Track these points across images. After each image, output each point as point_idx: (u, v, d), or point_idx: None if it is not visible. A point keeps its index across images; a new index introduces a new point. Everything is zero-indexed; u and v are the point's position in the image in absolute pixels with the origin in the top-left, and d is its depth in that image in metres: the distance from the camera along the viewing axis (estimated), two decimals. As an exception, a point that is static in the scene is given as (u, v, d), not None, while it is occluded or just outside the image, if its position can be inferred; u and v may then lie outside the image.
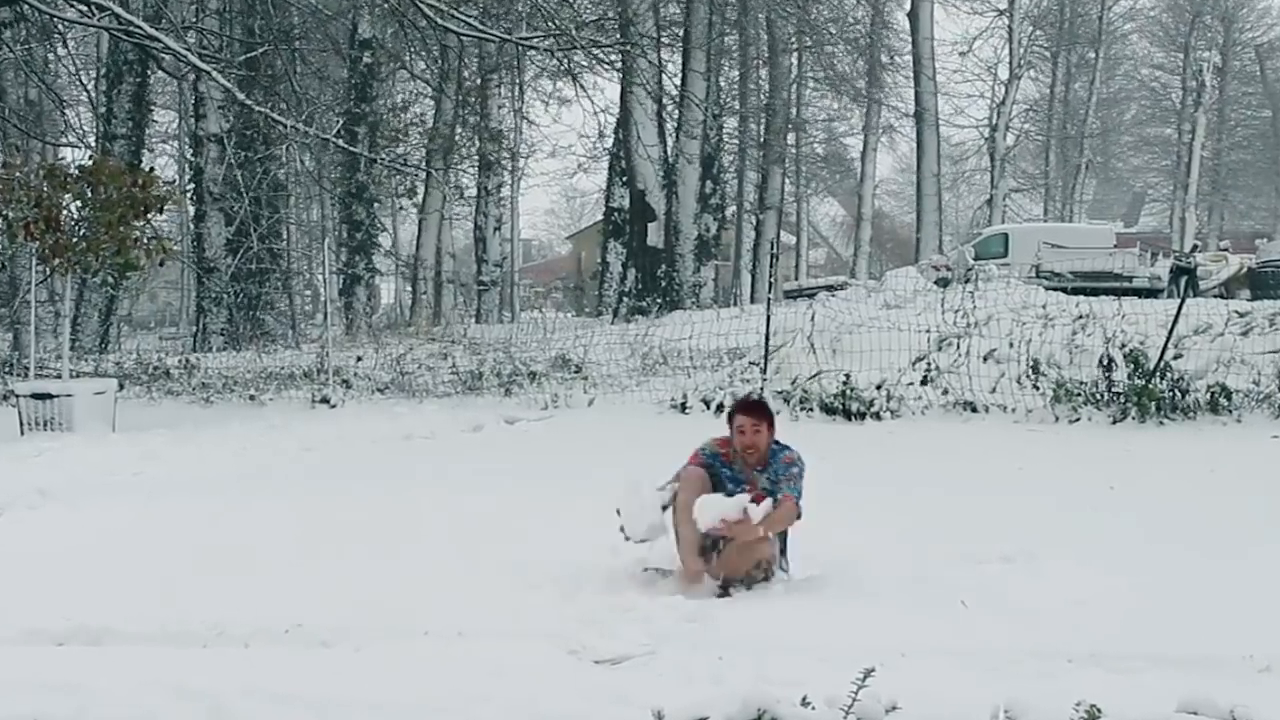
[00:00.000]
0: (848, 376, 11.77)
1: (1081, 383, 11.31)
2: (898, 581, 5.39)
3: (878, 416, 11.42)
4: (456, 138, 29.81)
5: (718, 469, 5.37)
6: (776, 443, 5.47)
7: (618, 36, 22.09)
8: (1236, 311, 13.13)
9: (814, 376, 11.92)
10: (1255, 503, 7.29)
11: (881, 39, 33.82)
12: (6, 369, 16.73)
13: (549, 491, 7.55)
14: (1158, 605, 5.06)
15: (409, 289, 34.34)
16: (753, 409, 5.48)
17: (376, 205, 26.85)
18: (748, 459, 5.35)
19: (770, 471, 5.36)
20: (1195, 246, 30.99)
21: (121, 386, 13.61)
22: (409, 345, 16.64)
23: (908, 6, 33.03)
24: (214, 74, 16.97)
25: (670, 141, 25.99)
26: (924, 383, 11.91)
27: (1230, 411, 10.78)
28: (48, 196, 11.58)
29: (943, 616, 4.90)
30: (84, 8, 17.46)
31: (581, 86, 22.84)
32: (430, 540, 6.19)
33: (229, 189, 22.07)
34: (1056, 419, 11.01)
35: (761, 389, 12.05)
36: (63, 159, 23.36)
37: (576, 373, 14.28)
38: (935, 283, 18.23)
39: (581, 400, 13.02)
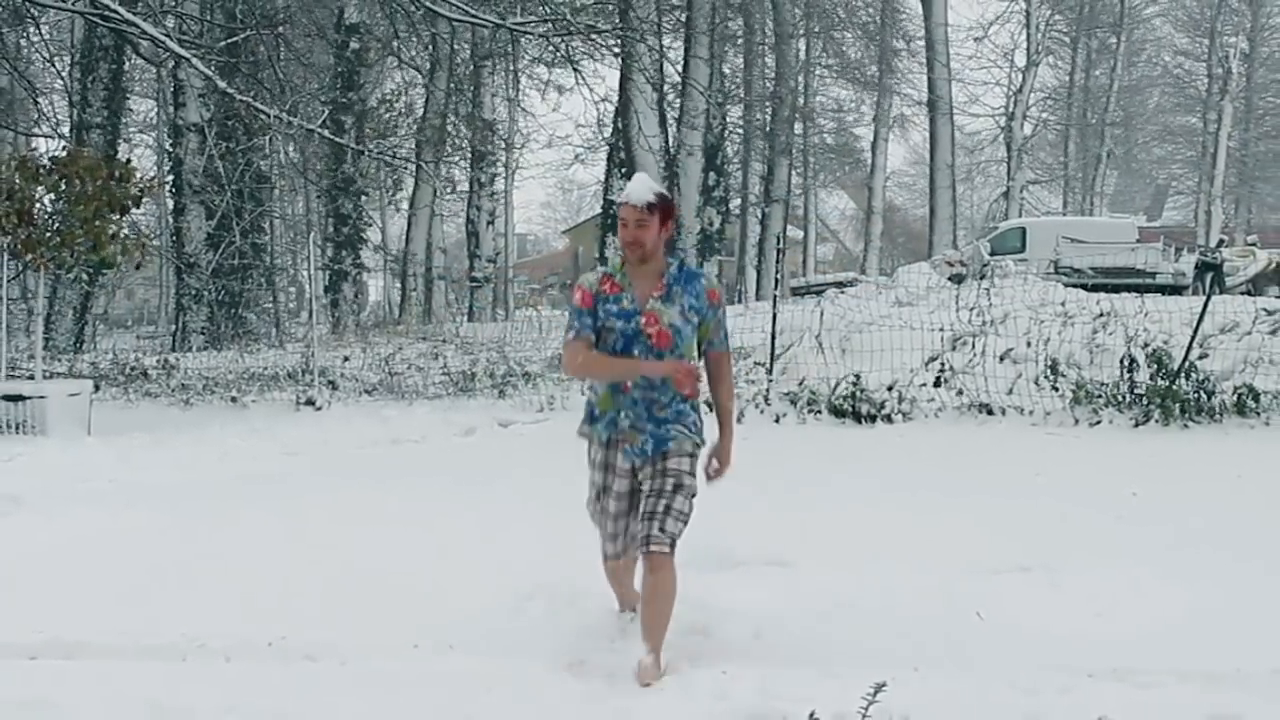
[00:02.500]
0: (857, 377, 11.77)
1: (1102, 384, 11.31)
2: (910, 592, 5.38)
3: (889, 419, 11.42)
4: (448, 128, 29.80)
5: (602, 306, 4.41)
6: (681, 259, 4.59)
7: (616, 21, 22.10)
8: (1265, 309, 13.13)
9: (836, 386, 11.89)
10: (1284, 509, 7.29)
11: (893, 24, 33.85)
12: (-23, 370, 16.73)
13: (544, 498, 7.54)
14: (1183, 617, 5.05)
15: (398, 286, 34.36)
16: (635, 190, 4.46)
17: (364, 198, 26.85)
18: (631, 255, 4.41)
19: (679, 302, 4.42)
20: (1221, 241, 30.96)
21: (97, 388, 13.60)
22: (398, 345, 16.64)
23: (920, -10, 33.04)
24: (193, 60, 16.97)
25: (672, 131, 25.99)
26: (937, 384, 11.91)
27: (1258, 414, 10.78)
28: (20, 189, 11.58)
29: (957, 629, 4.89)
30: (58, -9, 17.47)
31: (579, 74, 22.85)
32: (419, 549, 6.18)
33: (210, 181, 22.07)
34: (1076, 422, 11.01)
35: (768, 390, 12.05)
36: (35, 149, 23.37)
37: (574, 373, 14.26)
38: (949, 279, 18.25)
39: (579, 402, 12.94)
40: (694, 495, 4.38)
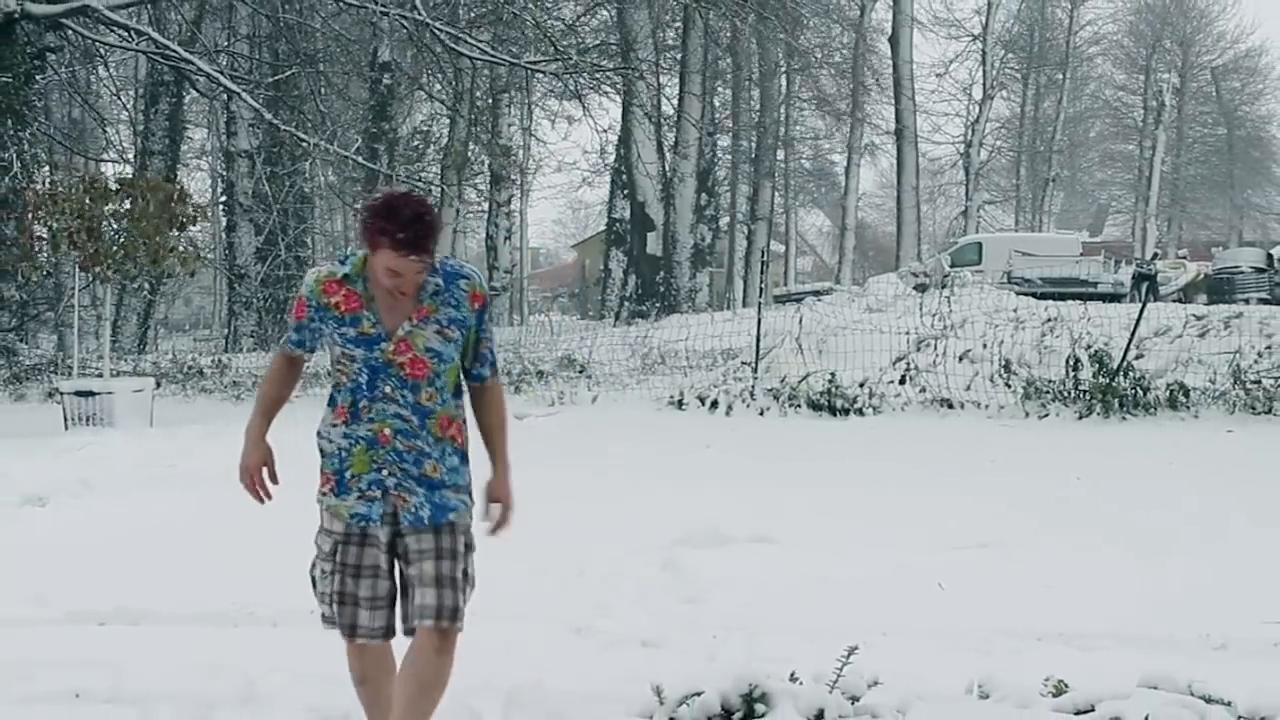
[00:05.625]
0: (833, 375, 11.75)
1: (1050, 381, 11.29)
2: (879, 566, 5.38)
3: (861, 413, 11.40)
4: (469, 153, 29.80)
5: (333, 327, 2.99)
6: (442, 258, 3.01)
7: (619, 61, 22.11)
8: (1194, 315, 13.13)
9: (804, 379, 11.89)
10: (1211, 493, 7.28)
11: (864, 62, 33.79)
12: (52, 368, 16.72)
13: (554, 482, 7.52)
14: (1122, 588, 5.06)
15: (425, 294, 34.24)
16: (412, 235, 2.79)
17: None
18: (396, 299, 2.92)
19: (437, 316, 2.95)
20: (1156, 254, 30.91)
21: (158, 385, 13.60)
22: (425, 346, 16.57)
23: (888, 32, 32.99)
24: (244, 94, 16.98)
25: (668, 157, 25.98)
26: (903, 381, 11.89)
27: (1188, 408, 10.77)
28: (88, 208, 11.57)
29: (921, 599, 4.89)
30: (124, 33, 17.47)
31: (586, 107, 22.81)
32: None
33: (258, 201, 22.09)
34: (1027, 415, 11.00)
35: (753, 387, 12.03)
36: (102, 173, 23.37)
37: (581, 372, 14.25)
38: (914, 288, 18.19)
39: (585, 397, 13.00)
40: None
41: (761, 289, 14.76)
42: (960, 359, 12.07)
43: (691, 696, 3.24)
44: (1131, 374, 11.05)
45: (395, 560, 3.03)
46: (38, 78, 17.64)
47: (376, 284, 2.90)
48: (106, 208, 11.76)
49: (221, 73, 17.80)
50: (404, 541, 2.99)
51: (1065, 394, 11.12)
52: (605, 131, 25.76)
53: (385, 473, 2.97)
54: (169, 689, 3.75)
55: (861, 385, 11.71)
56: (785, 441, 9.99)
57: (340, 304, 2.94)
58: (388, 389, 2.95)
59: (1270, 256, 23.36)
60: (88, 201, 11.60)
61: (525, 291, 41.97)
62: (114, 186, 12.07)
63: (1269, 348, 11.71)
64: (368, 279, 2.92)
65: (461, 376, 3.09)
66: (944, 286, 15.88)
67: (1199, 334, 12.33)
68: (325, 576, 3.03)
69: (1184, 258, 29.29)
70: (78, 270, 13.35)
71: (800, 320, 13.43)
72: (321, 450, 3.10)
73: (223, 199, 24.09)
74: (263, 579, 5.17)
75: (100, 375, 12.43)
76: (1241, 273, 22.90)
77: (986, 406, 11.28)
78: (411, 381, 2.95)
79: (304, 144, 18.89)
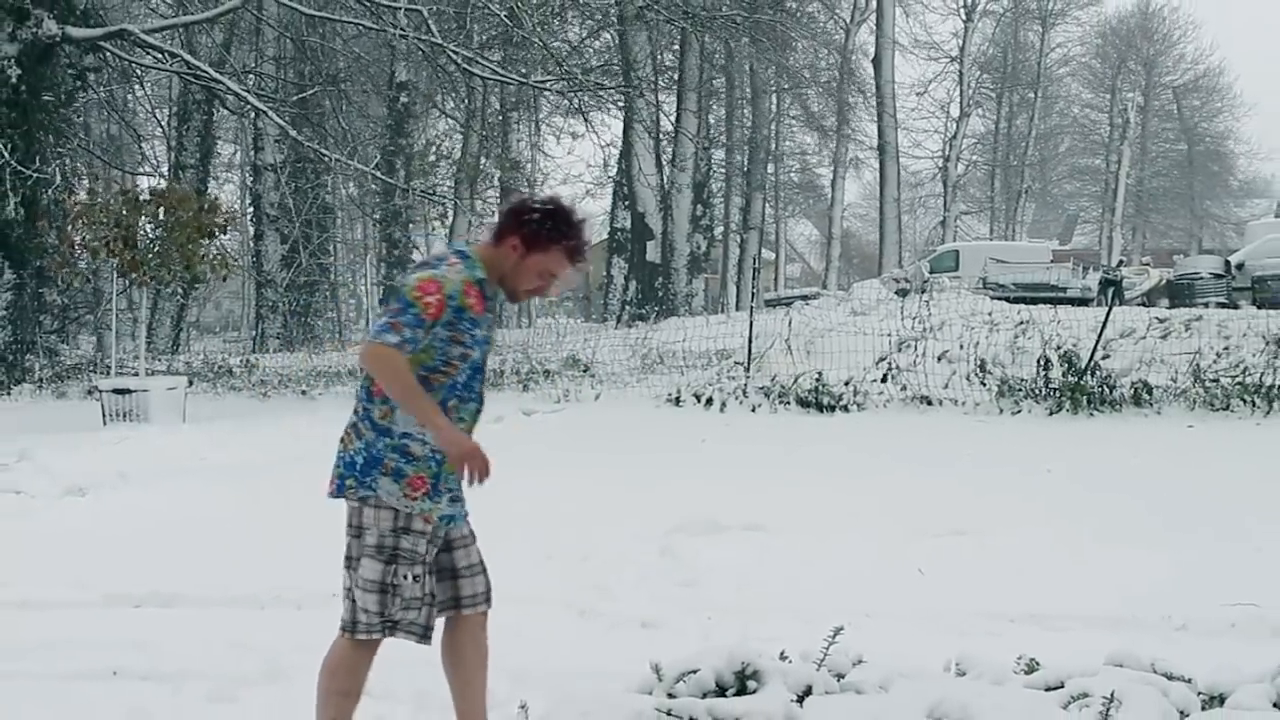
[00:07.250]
0: (820, 374, 11.74)
1: (1022, 380, 11.29)
2: (863, 552, 5.38)
3: (845, 409, 11.39)
4: (480, 167, 29.80)
5: (467, 330, 2.78)
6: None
7: (620, 80, 22.12)
8: (1157, 318, 13.13)
9: (796, 380, 11.87)
10: (1173, 484, 7.27)
11: (849, 82, 33.80)
12: (91, 368, 16.72)
13: (561, 474, 7.54)
14: (1089, 573, 5.06)
15: (439, 298, 34.17)
16: (586, 245, 2.89)
17: (411, 226, 26.86)
18: (528, 297, 2.98)
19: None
20: (1121, 261, 30.85)
21: (191, 383, 13.58)
22: (440, 347, 16.56)
23: (872, 54, 32.99)
24: (270, 112, 16.97)
25: (666, 170, 25.98)
26: (885, 380, 11.88)
27: (1151, 405, 10.76)
28: (125, 218, 11.55)
29: (903, 583, 4.90)
30: (158, 55, 17.47)
31: (589, 123, 22.80)
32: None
33: (283, 212, 22.11)
34: (1000, 411, 11.00)
35: (746, 385, 12.03)
36: (139, 187, 23.38)
37: (585, 371, 14.25)
38: (896, 293, 18.16)
39: (589, 395, 13.00)
40: None
41: (753, 293, 14.75)
42: (939, 359, 12.07)
43: (688, 674, 3.24)
44: (1098, 373, 11.05)
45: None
46: (78, 96, 17.63)
47: (497, 283, 2.82)
48: (142, 218, 11.74)
49: (249, 92, 17.80)
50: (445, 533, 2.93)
51: (1036, 392, 11.11)
52: (607, 146, 25.81)
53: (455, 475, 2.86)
54: (200, 667, 3.76)
55: (847, 384, 11.71)
56: (776, 436, 9.98)
57: (474, 305, 2.77)
58: (477, 385, 2.87)
59: (1228, 263, 23.32)
60: (124, 212, 11.59)
61: (533, 296, 41.93)
62: (146, 197, 12.04)
63: (1226, 349, 11.72)
64: (489, 281, 2.80)
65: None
66: (923, 291, 15.87)
67: (1161, 336, 12.32)
68: (418, 581, 2.80)
69: (1147, 264, 29.23)
70: (116, 276, 13.35)
71: (789, 323, 13.42)
72: (412, 454, 2.80)
73: (250, 210, 24.08)
74: (288, 564, 5.17)
75: (136, 374, 12.42)
76: (1201, 278, 22.84)
77: (963, 403, 11.28)
78: (483, 372, 2.90)
79: (326, 158, 18.90)
